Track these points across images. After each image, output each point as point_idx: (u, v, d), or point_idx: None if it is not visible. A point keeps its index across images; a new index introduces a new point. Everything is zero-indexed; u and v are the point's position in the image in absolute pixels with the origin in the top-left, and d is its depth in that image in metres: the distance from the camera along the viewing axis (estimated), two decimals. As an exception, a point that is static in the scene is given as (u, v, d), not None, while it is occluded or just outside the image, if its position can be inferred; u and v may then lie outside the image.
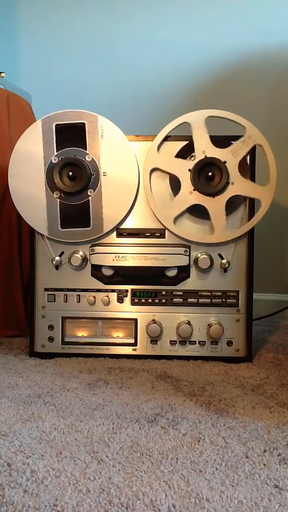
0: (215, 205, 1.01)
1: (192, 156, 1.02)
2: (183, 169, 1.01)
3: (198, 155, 1.01)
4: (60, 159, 1.02)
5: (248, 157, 1.03)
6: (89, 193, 1.03)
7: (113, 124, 1.03)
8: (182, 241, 1.05)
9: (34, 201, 1.04)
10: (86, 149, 1.03)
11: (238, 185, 1.01)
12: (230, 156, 1.01)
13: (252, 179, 1.03)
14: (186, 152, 1.02)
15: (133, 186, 1.03)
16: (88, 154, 1.03)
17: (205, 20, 1.57)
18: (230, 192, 1.01)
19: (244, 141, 1.01)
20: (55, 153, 1.03)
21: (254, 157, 1.03)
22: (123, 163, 1.03)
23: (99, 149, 1.03)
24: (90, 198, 1.03)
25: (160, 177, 1.04)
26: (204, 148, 1.01)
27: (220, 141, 1.01)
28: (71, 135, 1.03)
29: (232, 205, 1.03)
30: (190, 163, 1.01)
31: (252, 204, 1.04)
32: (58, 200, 1.03)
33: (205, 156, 1.01)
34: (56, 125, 1.03)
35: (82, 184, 1.02)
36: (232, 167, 1.01)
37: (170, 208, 1.03)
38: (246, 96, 1.56)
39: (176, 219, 1.03)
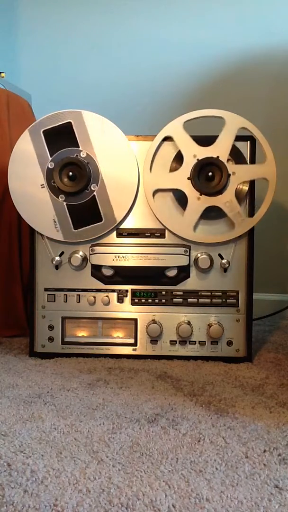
0: (226, 201, 1.01)
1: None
2: (182, 179, 1.01)
3: (190, 160, 1.01)
4: (56, 163, 1.02)
5: (249, 150, 1.03)
6: (92, 188, 1.03)
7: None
8: (183, 241, 1.05)
9: (35, 202, 1.04)
10: (78, 146, 1.03)
11: (239, 172, 1.01)
12: (220, 149, 1.00)
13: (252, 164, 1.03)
14: (179, 161, 1.02)
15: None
16: (81, 150, 1.03)
17: (205, 20, 1.57)
18: (234, 182, 1.01)
19: (226, 130, 1.01)
20: (50, 158, 1.03)
21: (254, 145, 1.03)
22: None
23: (92, 143, 1.02)
24: (95, 193, 1.03)
25: (161, 194, 1.04)
26: (193, 152, 1.01)
27: (209, 141, 1.01)
28: (61, 136, 1.03)
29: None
30: (186, 172, 1.01)
31: (252, 202, 1.04)
32: (64, 203, 1.03)
33: (197, 159, 1.01)
34: (44, 131, 1.03)
35: (82, 184, 1.02)
36: (226, 159, 1.00)
37: (185, 219, 1.03)
38: (246, 96, 1.56)
39: (194, 228, 1.03)
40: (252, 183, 1.03)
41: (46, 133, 1.03)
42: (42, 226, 1.04)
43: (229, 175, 1.00)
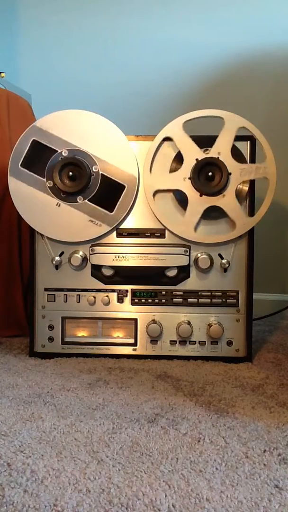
0: (227, 200, 1.01)
1: (207, 150, 1.01)
2: (181, 180, 1.01)
3: (190, 161, 1.01)
4: (52, 179, 1.02)
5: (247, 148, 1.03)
6: (95, 170, 1.03)
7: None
8: (183, 241, 1.05)
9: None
10: (56, 151, 1.03)
11: (240, 172, 1.01)
12: (220, 150, 1.00)
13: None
14: (179, 161, 1.02)
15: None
16: (61, 151, 1.03)
17: (205, 20, 1.57)
18: (235, 181, 1.01)
19: (226, 130, 1.01)
20: (45, 180, 1.03)
21: (254, 144, 1.03)
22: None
23: (62, 138, 1.03)
24: (100, 171, 1.03)
25: (162, 195, 1.04)
26: (192, 153, 1.01)
27: (209, 140, 1.01)
28: (38, 156, 1.03)
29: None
30: (186, 173, 1.01)
31: (252, 200, 1.04)
32: (86, 201, 1.03)
33: (197, 159, 1.00)
34: (21, 164, 1.03)
35: (85, 173, 1.01)
36: (227, 159, 1.00)
37: (186, 220, 1.02)
38: (246, 96, 1.56)
39: (195, 228, 1.03)
40: (252, 183, 1.03)
41: (25, 164, 1.03)
42: (82, 234, 1.04)
43: (230, 173, 1.00)
